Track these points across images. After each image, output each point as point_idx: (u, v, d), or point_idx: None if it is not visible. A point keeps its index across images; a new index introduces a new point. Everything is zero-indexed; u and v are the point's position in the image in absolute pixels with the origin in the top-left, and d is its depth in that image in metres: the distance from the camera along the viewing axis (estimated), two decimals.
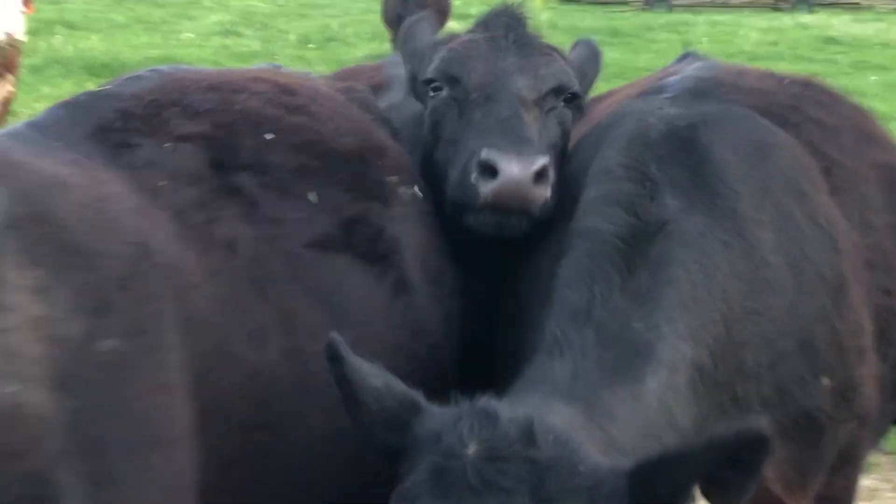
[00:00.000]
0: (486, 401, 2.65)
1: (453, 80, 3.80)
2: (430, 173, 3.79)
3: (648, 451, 2.65)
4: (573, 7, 23.05)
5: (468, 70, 3.78)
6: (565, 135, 3.85)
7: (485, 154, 3.47)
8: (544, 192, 3.51)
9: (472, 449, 2.54)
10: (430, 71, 3.88)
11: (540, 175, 3.49)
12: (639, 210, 3.13)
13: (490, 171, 3.48)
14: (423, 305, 3.45)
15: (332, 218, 3.32)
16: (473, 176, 3.51)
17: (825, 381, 3.23)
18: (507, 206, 3.50)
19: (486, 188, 3.48)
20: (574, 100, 3.88)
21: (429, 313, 3.47)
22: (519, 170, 3.46)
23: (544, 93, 3.78)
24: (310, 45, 17.85)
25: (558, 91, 3.82)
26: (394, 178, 3.57)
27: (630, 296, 2.96)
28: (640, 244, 3.05)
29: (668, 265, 3.03)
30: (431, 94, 3.86)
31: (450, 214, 3.66)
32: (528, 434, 2.54)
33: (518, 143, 3.53)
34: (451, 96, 3.80)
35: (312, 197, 3.30)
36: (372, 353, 2.76)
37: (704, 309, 3.03)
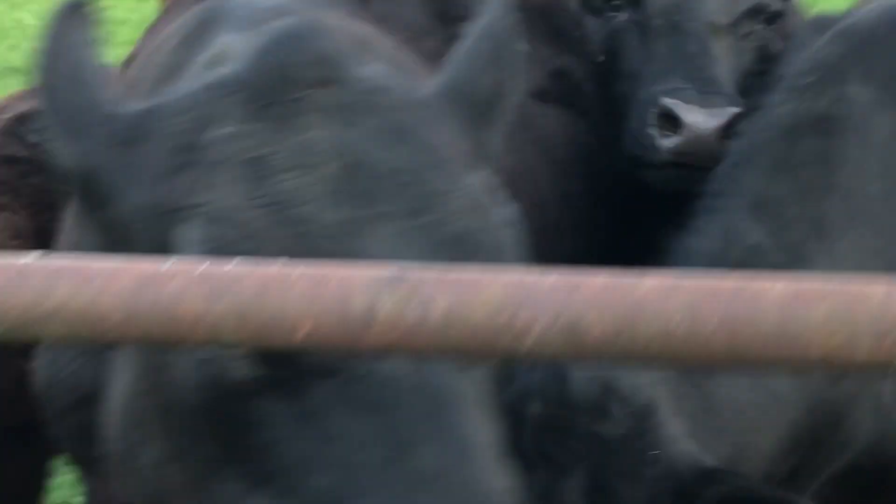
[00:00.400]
0: None
1: (634, 1, 3.29)
2: (607, 110, 3.34)
3: (733, 453, 2.41)
4: None
5: None
6: (766, 61, 3.29)
7: (665, 102, 3.05)
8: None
9: (534, 410, 2.28)
10: None
11: (728, 129, 3.02)
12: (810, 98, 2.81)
13: (671, 122, 3.06)
14: None
15: (540, 70, 3.26)
16: (652, 127, 3.08)
17: None
18: (689, 163, 3.06)
19: (666, 143, 3.06)
20: (776, 19, 3.34)
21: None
22: (704, 123, 3.03)
23: (739, 15, 3.27)
24: None
25: (756, 11, 3.30)
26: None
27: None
28: (805, 137, 2.77)
29: (841, 166, 2.73)
30: (610, 12, 3.35)
31: (623, 164, 3.26)
32: (602, 402, 2.26)
33: (704, 90, 3.09)
34: (631, 20, 3.30)
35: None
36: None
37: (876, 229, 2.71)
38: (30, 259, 1.47)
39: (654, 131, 3.07)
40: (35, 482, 3.84)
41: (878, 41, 2.86)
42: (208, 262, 1.48)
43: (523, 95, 2.36)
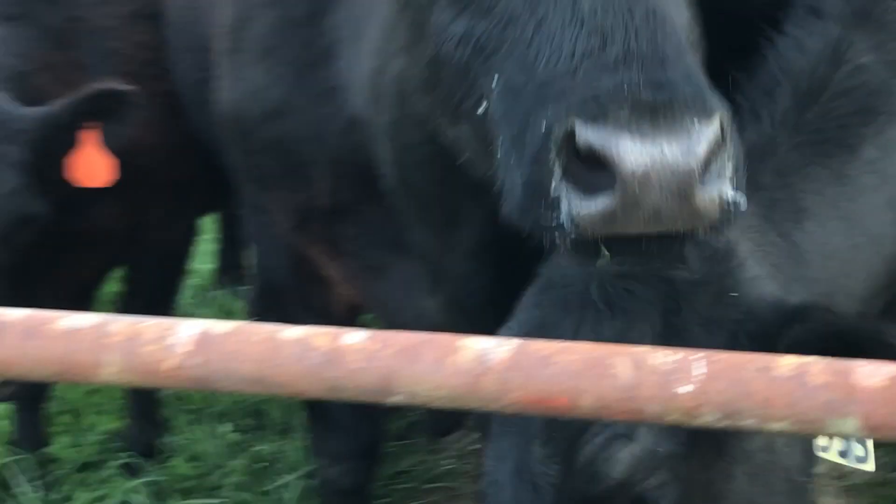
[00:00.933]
0: None
1: None
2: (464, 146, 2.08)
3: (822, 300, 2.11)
4: None
5: None
6: None
7: (579, 133, 1.60)
8: (723, 191, 1.64)
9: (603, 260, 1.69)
10: None
11: (711, 160, 1.62)
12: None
13: (593, 168, 1.60)
14: None
15: None
16: (554, 182, 1.63)
17: None
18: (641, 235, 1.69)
19: (586, 209, 1.62)
20: None
21: None
22: (659, 164, 1.56)
23: None
24: None
25: None
26: None
27: None
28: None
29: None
30: None
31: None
32: (675, 248, 1.73)
33: (654, 96, 1.59)
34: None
35: None
36: None
37: None
38: None
39: (559, 190, 1.63)
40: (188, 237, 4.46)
41: None
42: None
43: None
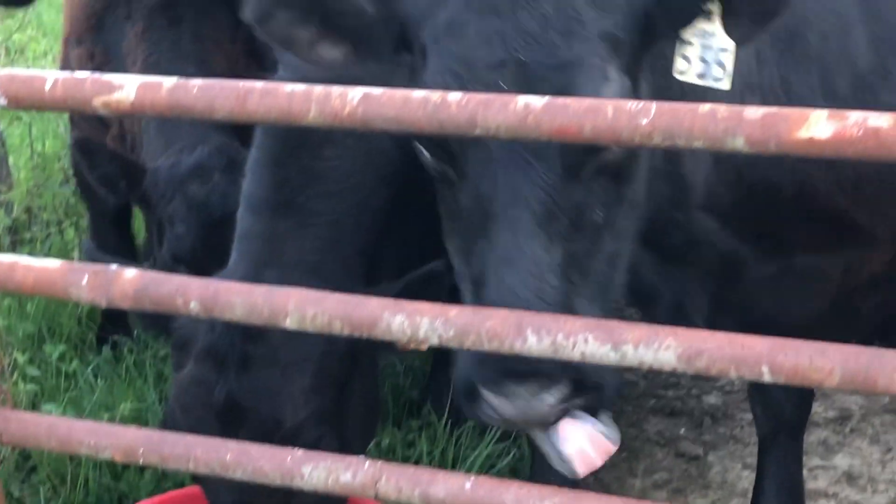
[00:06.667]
0: None
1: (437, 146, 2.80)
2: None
3: None
4: None
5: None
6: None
7: (479, 390, 2.70)
8: (580, 405, 2.75)
9: None
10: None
11: (566, 399, 2.69)
12: None
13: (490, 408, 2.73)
14: None
15: None
16: (474, 402, 2.75)
17: None
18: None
19: (490, 418, 2.75)
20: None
21: None
22: (524, 413, 2.68)
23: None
24: None
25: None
26: None
27: None
28: None
29: None
30: (418, 150, 2.87)
31: None
32: None
33: (519, 372, 2.62)
34: (443, 171, 2.83)
35: None
36: None
37: None
38: None
39: (473, 402, 2.75)
40: None
41: None
42: None
43: None
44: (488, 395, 2.67)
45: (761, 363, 2.21)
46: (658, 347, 2.28)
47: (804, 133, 2.09)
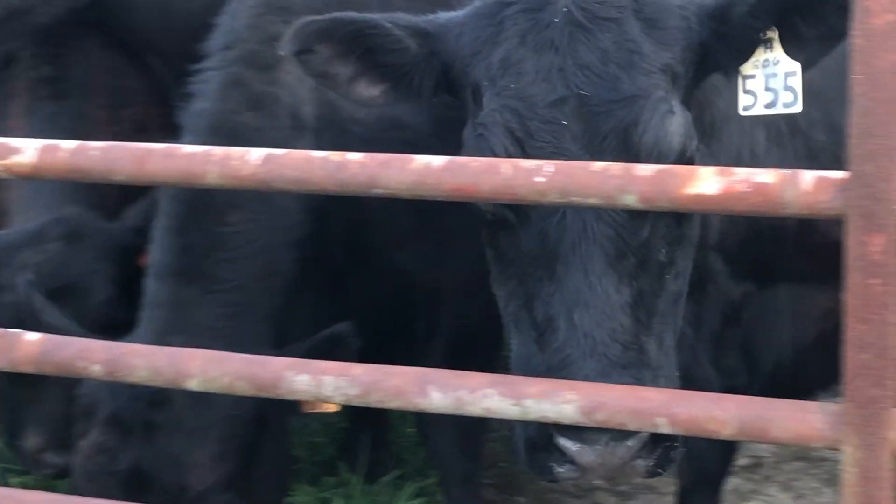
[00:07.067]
0: None
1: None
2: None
3: None
4: None
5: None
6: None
7: (556, 440, 2.61)
8: (652, 461, 2.67)
9: None
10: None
11: (643, 449, 2.63)
12: None
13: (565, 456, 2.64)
14: None
15: None
16: (543, 455, 2.68)
17: None
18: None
19: (562, 472, 2.67)
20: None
21: None
22: (603, 463, 2.60)
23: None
24: None
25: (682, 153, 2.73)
26: None
27: None
28: None
29: None
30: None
31: None
32: None
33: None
34: (501, 215, 2.76)
35: None
36: None
37: None
38: None
39: (545, 457, 2.67)
40: None
41: None
42: None
43: None
44: (566, 444, 2.58)
45: (658, 414, 2.25)
46: (559, 401, 2.31)
47: (693, 189, 2.15)
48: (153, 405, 3.23)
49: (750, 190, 2.12)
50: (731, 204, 2.13)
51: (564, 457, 2.59)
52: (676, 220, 2.75)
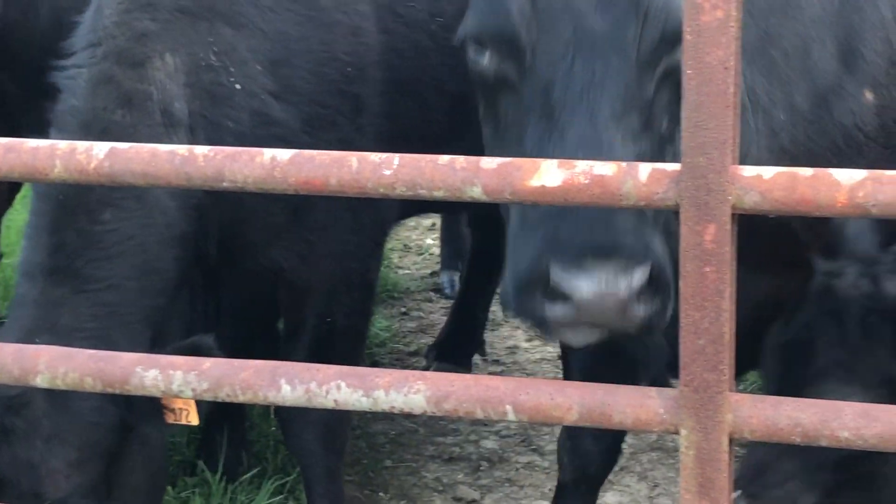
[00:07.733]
0: None
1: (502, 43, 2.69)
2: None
3: None
4: None
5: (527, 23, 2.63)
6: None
7: (552, 276, 2.44)
8: (649, 309, 2.49)
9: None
10: (467, 21, 2.78)
11: (641, 291, 2.45)
12: None
13: (559, 295, 2.45)
14: None
15: None
16: (536, 295, 2.50)
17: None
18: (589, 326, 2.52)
19: (554, 312, 2.47)
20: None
21: None
22: (599, 296, 2.41)
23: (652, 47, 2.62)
24: None
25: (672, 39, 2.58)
26: None
27: None
28: None
29: None
30: (472, 56, 2.78)
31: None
32: None
33: (603, 249, 2.43)
34: (502, 72, 2.70)
35: None
36: None
37: None
38: None
39: (538, 300, 2.49)
40: None
41: None
42: None
43: None
44: (562, 276, 2.40)
45: (505, 402, 2.30)
46: (408, 391, 2.35)
47: (536, 182, 2.20)
48: (10, 410, 3.17)
49: (589, 182, 2.18)
50: (573, 195, 2.19)
51: (557, 293, 2.44)
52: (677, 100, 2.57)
